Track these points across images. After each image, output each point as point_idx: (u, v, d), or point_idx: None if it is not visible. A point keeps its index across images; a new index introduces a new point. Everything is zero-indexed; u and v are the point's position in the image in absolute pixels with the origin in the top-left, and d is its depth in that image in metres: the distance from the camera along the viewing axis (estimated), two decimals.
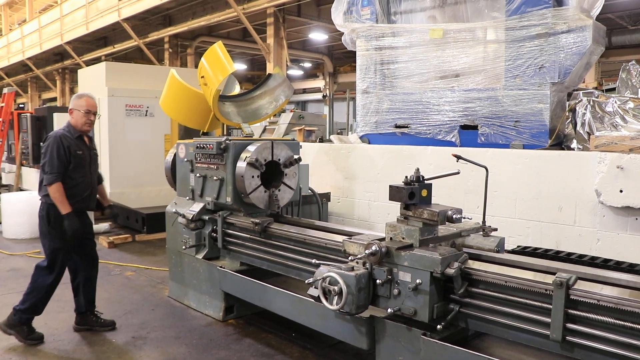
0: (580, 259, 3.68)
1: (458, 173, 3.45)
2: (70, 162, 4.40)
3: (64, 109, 12.14)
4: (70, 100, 4.61)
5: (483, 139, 5.98)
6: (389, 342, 3.38)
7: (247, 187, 4.63)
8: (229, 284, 4.81)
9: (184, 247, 5.21)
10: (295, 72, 26.12)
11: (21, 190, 11.45)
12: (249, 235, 4.72)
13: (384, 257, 3.21)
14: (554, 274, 2.81)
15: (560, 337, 2.71)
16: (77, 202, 4.47)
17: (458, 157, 3.67)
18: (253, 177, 4.66)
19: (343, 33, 7.29)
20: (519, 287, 2.91)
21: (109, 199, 5.09)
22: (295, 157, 4.88)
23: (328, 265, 3.40)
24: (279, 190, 4.86)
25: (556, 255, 3.77)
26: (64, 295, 5.64)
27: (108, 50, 19.58)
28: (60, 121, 10.15)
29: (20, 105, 30.97)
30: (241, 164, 4.66)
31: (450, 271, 3.01)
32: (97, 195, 4.84)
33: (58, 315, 5.07)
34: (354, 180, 6.77)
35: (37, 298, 4.47)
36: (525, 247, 4.10)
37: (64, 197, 4.33)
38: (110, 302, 5.41)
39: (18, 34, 24.88)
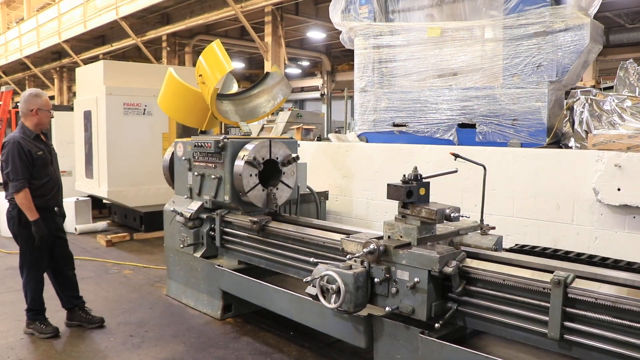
0: (578, 258, 3.68)
1: (456, 171, 3.45)
2: (33, 165, 4.42)
3: (62, 108, 12.14)
4: (24, 102, 4.53)
5: (481, 137, 5.98)
6: (387, 340, 3.38)
7: (245, 185, 4.63)
8: (227, 282, 4.80)
9: (181, 245, 5.21)
10: (293, 70, 26.09)
11: None
12: (247, 234, 4.72)
13: (382, 256, 3.21)
14: (551, 272, 2.81)
15: (558, 336, 2.72)
16: (47, 200, 4.53)
17: (456, 156, 3.67)
18: (251, 175, 4.66)
19: (341, 31, 7.29)
20: (517, 285, 2.92)
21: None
22: (293, 155, 4.88)
23: (326, 263, 3.40)
24: (277, 188, 4.86)
25: (554, 254, 3.78)
26: None
27: (106, 48, 19.55)
28: (58, 120, 10.12)
29: (18, 104, 30.86)
30: (239, 163, 4.65)
31: (448, 270, 3.01)
32: None
33: (56, 314, 5.06)
34: (352, 179, 6.77)
35: (29, 297, 4.64)
36: (523, 246, 4.11)
37: (31, 204, 4.37)
38: (108, 300, 5.41)
39: (16, 32, 24.82)
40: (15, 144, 4.38)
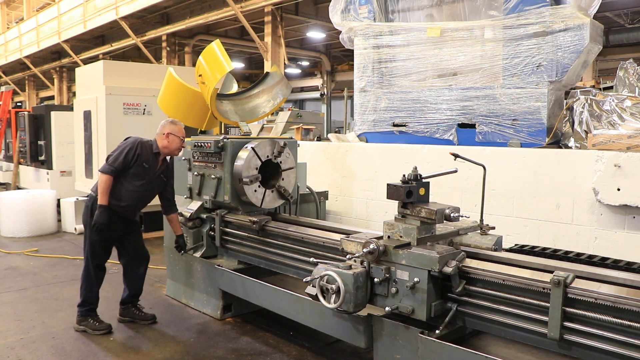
0: (577, 258, 3.68)
1: (456, 171, 3.45)
2: (130, 168, 4.52)
3: (61, 108, 12.13)
4: (160, 127, 4.74)
5: (481, 137, 5.98)
6: (386, 340, 3.38)
7: (256, 201, 4.72)
8: (226, 282, 4.80)
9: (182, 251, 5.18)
10: (293, 70, 26.11)
11: (19, 188, 11.44)
12: (246, 234, 4.72)
13: (382, 256, 3.21)
14: (551, 272, 2.81)
15: (557, 336, 2.72)
16: (120, 207, 4.59)
17: (456, 156, 3.67)
18: (255, 191, 4.71)
19: (341, 31, 7.28)
20: (517, 285, 2.92)
21: (181, 229, 5.06)
22: (281, 144, 4.82)
23: (326, 263, 3.40)
24: (283, 179, 4.87)
25: (554, 254, 3.77)
26: (61, 293, 5.65)
27: (106, 48, 19.53)
28: (58, 119, 10.16)
29: (18, 104, 30.92)
30: (239, 185, 4.65)
31: (448, 269, 3.01)
32: (170, 224, 5.02)
33: (56, 314, 5.07)
34: (352, 179, 6.77)
35: (84, 289, 4.66)
36: (523, 246, 4.10)
37: (107, 190, 4.46)
38: (108, 300, 5.40)
39: (15, 32, 24.80)
40: (134, 142, 4.57)
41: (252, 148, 4.69)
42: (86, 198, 4.96)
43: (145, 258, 4.97)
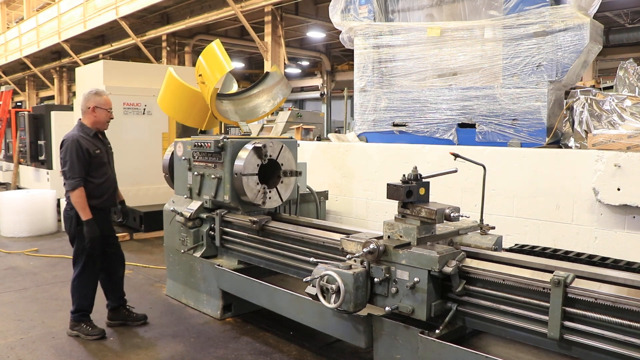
0: (577, 257, 3.68)
1: (456, 171, 3.45)
2: (90, 164, 4.40)
3: (61, 107, 12.13)
4: (84, 99, 4.52)
5: (481, 137, 5.98)
6: (386, 340, 3.38)
7: (277, 202, 4.85)
8: (226, 282, 4.80)
9: (182, 250, 5.18)
10: (293, 70, 26.12)
11: (19, 188, 11.44)
12: (246, 234, 4.72)
13: (382, 256, 3.20)
14: (551, 272, 2.81)
15: (557, 336, 2.71)
16: (103, 201, 4.52)
17: (456, 156, 3.67)
18: (270, 198, 4.81)
19: (341, 31, 7.29)
20: (517, 285, 2.92)
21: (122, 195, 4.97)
22: (260, 145, 4.72)
23: (326, 263, 3.40)
24: (282, 165, 4.91)
25: (554, 254, 3.77)
26: (61, 293, 5.65)
27: (106, 48, 19.55)
28: (58, 119, 10.16)
29: (18, 104, 30.94)
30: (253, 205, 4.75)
31: (448, 269, 3.01)
32: None
33: (56, 314, 5.07)
34: (352, 179, 6.77)
35: (77, 297, 4.56)
36: (523, 245, 4.10)
37: (85, 204, 4.32)
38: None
39: (15, 32, 24.82)
40: (74, 142, 4.33)
41: (242, 174, 4.62)
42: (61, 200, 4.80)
43: (123, 262, 4.91)
